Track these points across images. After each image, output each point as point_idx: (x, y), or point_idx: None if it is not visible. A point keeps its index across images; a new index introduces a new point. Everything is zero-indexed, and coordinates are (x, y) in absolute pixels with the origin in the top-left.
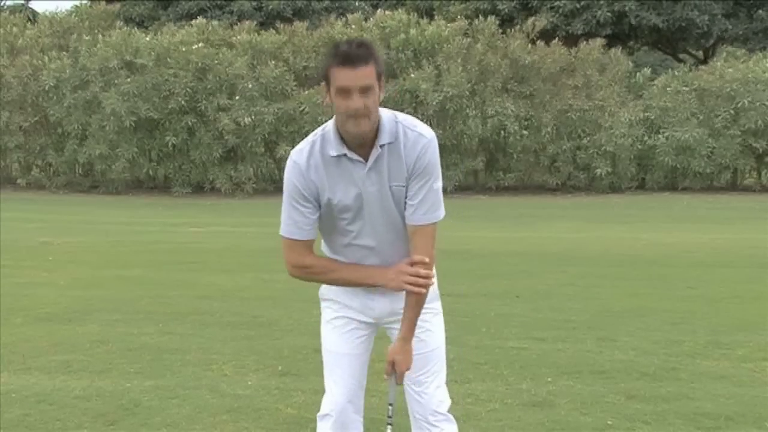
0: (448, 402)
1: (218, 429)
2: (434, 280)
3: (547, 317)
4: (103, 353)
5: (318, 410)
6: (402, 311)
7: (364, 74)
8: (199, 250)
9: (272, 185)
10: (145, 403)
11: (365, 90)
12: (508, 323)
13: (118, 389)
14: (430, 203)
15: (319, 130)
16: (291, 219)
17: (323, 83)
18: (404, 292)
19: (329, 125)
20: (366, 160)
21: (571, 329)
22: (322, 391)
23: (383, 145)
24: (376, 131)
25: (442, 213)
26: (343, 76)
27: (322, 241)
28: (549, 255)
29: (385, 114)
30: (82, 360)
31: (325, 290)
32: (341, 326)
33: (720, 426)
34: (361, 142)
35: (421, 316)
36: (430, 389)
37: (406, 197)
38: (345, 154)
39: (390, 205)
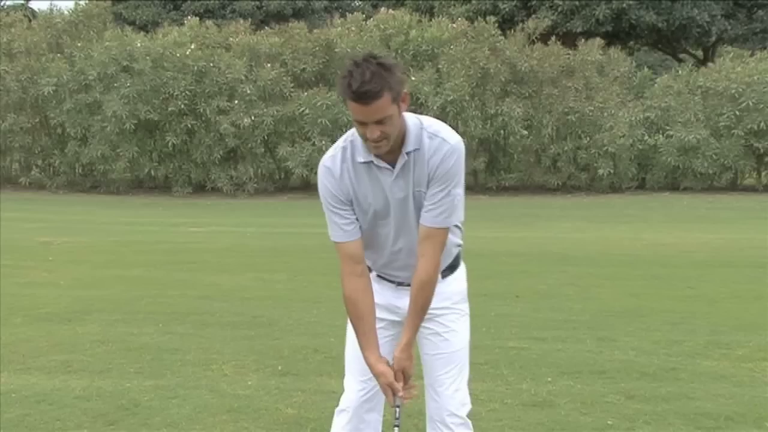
0: (468, 406)
1: (218, 429)
2: (464, 282)
3: (547, 317)
4: (103, 353)
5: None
6: (431, 312)
7: (378, 108)
8: (199, 250)
9: (272, 185)
10: (145, 403)
11: (381, 120)
12: (508, 323)
13: (118, 389)
14: (444, 207)
15: (348, 135)
16: (333, 223)
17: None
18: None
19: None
20: (393, 166)
21: (571, 329)
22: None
23: (409, 152)
24: (403, 138)
25: (455, 219)
26: (357, 111)
27: None
28: (549, 255)
29: (411, 120)
30: (82, 360)
31: None
32: None
33: (720, 426)
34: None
35: (447, 316)
36: (449, 391)
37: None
38: (372, 161)
39: (414, 210)
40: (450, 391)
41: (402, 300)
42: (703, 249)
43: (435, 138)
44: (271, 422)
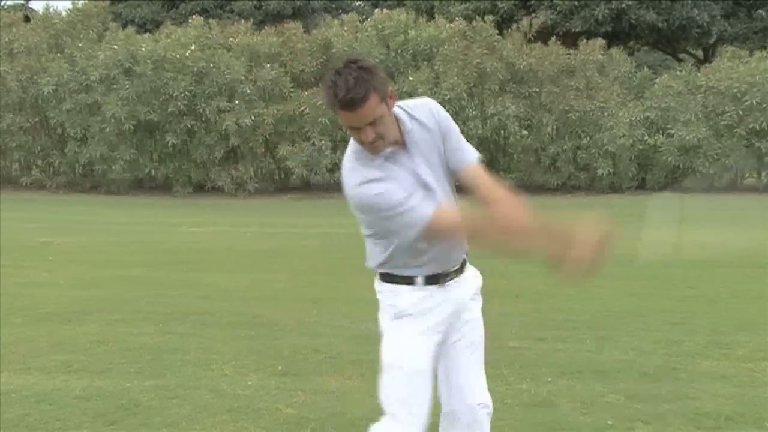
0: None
1: (218, 429)
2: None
3: (547, 317)
4: (103, 353)
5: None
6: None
7: (368, 111)
8: (199, 250)
9: (272, 185)
10: (145, 403)
11: (373, 122)
12: (508, 323)
13: (118, 389)
14: (468, 146)
15: (352, 145)
16: (409, 204)
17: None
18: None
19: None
20: (405, 146)
21: (571, 329)
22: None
23: (408, 130)
24: (398, 125)
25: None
26: (348, 118)
27: (376, 257)
28: None
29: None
30: (82, 360)
31: (407, 305)
32: (427, 338)
33: (720, 426)
34: None
35: (472, 305)
36: (479, 380)
37: (449, 155)
38: (384, 156)
39: (441, 173)
40: (477, 379)
41: (444, 304)
42: (703, 249)
43: (414, 104)
44: (271, 422)
